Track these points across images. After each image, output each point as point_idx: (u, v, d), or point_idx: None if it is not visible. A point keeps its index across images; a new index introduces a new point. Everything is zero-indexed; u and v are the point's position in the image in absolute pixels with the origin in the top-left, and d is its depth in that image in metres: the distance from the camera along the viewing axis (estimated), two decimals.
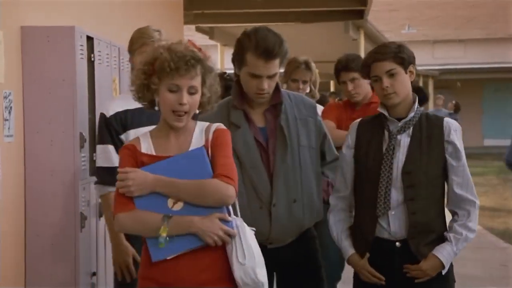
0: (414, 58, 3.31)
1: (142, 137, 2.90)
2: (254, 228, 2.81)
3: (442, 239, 3.25)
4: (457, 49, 26.24)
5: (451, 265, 3.31)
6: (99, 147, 3.80)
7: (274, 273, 3.45)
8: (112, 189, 3.54)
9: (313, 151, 3.43)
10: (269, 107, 3.37)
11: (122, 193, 2.76)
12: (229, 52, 14.23)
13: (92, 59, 4.87)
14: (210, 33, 13.64)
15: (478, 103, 26.80)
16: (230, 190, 2.76)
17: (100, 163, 3.78)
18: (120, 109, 3.76)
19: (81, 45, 4.72)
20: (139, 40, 3.82)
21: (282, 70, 3.41)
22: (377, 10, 23.95)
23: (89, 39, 4.86)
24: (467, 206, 3.27)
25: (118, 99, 4.02)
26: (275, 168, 3.30)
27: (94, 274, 4.81)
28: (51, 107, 4.58)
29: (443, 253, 3.22)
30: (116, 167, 3.62)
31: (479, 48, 27.83)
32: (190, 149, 2.84)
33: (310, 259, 3.47)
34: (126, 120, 3.74)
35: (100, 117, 3.83)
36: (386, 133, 3.29)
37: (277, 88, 3.36)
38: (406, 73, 3.26)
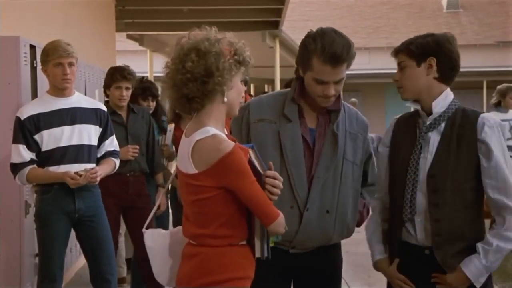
0: (436, 51, 2.77)
1: (218, 131, 2.50)
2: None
3: (475, 249, 2.72)
4: (363, 56, 26.95)
5: (490, 277, 2.79)
6: (13, 146, 4.11)
7: (292, 280, 3.08)
8: (27, 167, 4.06)
9: (357, 168, 3.01)
10: (323, 111, 2.96)
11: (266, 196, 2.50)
12: (157, 58, 14.26)
13: (35, 65, 5.02)
14: (140, 40, 13.72)
15: (381, 104, 27.64)
16: None
17: (13, 159, 4.10)
18: (33, 113, 4.08)
19: (25, 53, 4.89)
20: (55, 52, 4.08)
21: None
22: (293, 20, 24.47)
23: (32, 47, 5.01)
24: (503, 212, 2.69)
25: (32, 104, 4.29)
26: (317, 173, 2.90)
27: (37, 255, 4.92)
28: None
29: (470, 267, 2.69)
30: (25, 162, 4.07)
31: (382, 56, 28.65)
32: None
33: (331, 270, 3.08)
34: (39, 122, 4.07)
35: (15, 120, 4.11)
36: (418, 130, 2.85)
37: (338, 95, 2.97)
38: (419, 66, 2.79)
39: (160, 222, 5.51)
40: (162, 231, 2.77)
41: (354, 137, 3.00)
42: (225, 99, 2.49)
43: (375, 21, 31.80)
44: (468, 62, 27.57)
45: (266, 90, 24.62)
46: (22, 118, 4.09)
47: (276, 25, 12.39)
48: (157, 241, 2.72)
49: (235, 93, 2.53)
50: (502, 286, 6.60)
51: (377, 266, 2.96)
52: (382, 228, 2.98)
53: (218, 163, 2.41)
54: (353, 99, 17.42)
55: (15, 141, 4.10)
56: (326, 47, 2.77)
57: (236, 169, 2.42)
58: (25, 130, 4.06)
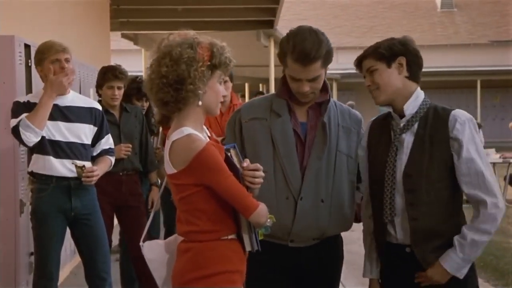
0: (403, 50, 2.81)
1: (194, 131, 2.57)
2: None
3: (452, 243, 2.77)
4: (357, 55, 26.94)
5: (472, 270, 2.83)
6: (12, 121, 4.02)
7: (291, 276, 3.05)
8: (23, 115, 3.98)
9: (351, 161, 3.04)
10: (314, 104, 3.04)
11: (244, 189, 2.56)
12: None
13: (30, 64, 5.02)
14: (134, 39, 13.72)
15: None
16: None
17: (12, 124, 4.01)
18: (32, 101, 4.08)
19: (20, 52, 4.91)
20: (51, 49, 4.08)
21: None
22: (288, 19, 24.47)
23: (27, 46, 5.03)
24: (479, 206, 2.72)
25: (31, 95, 4.30)
26: (309, 163, 2.95)
27: (32, 254, 4.92)
28: None
29: (448, 261, 2.73)
30: (21, 118, 3.95)
31: None
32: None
33: (330, 266, 3.09)
34: None
35: (14, 103, 4.10)
36: (392, 132, 2.88)
37: (325, 88, 3.04)
38: (389, 67, 2.82)
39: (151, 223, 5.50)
40: (159, 241, 2.82)
41: (347, 130, 3.05)
42: (200, 103, 2.55)
43: (370, 20, 31.87)
44: (462, 61, 27.80)
45: (260, 89, 24.60)
46: (21, 101, 4.11)
47: (271, 24, 12.40)
48: (156, 252, 2.76)
49: (212, 95, 2.58)
50: (495, 284, 6.62)
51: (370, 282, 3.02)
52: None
53: (192, 161, 2.48)
54: (350, 102, 17.34)
55: (15, 116, 4.01)
56: (296, 46, 2.85)
57: (209, 165, 2.49)
58: (26, 109, 4.02)
